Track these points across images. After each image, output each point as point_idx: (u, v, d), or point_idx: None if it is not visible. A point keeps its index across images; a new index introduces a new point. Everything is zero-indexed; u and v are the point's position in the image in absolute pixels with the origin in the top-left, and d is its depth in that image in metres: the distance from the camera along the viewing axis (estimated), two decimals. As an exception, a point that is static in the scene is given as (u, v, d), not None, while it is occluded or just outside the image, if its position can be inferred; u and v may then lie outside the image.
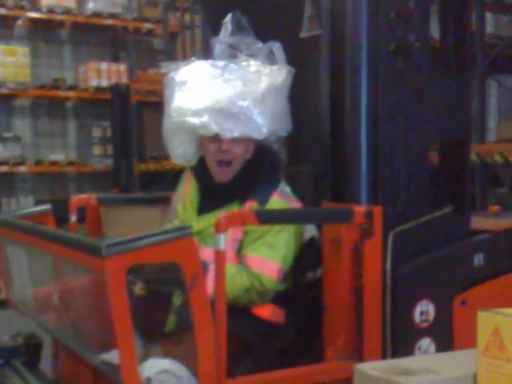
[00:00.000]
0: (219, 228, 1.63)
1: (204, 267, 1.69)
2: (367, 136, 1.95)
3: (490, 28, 5.99)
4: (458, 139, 2.16)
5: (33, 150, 7.81)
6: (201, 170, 2.09)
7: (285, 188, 2.06)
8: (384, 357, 1.90)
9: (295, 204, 2.03)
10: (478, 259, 2.11)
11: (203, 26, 2.58)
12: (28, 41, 7.85)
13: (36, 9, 7.53)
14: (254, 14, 2.46)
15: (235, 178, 2.01)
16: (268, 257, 1.92)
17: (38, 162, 7.62)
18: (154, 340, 1.97)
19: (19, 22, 7.68)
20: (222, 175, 2.01)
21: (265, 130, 1.96)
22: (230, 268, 1.78)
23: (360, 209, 1.87)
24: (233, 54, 2.04)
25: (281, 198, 1.99)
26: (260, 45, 2.05)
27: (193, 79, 1.99)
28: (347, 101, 1.98)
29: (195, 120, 1.94)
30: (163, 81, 2.07)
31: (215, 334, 1.58)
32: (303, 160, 2.34)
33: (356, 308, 1.86)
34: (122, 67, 8.00)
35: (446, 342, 2.01)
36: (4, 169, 7.32)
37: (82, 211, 2.58)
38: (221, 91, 1.93)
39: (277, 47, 2.03)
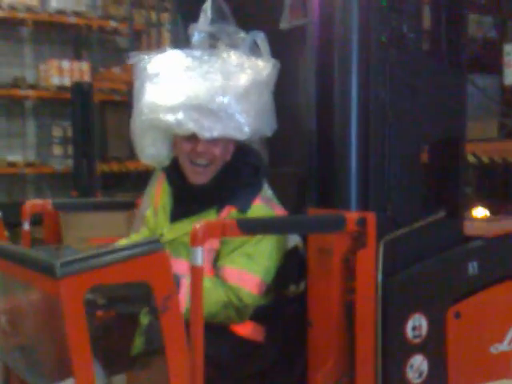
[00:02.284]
0: (196, 240, 1.42)
1: (175, 281, 1.47)
2: (357, 134, 1.78)
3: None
4: (452, 138, 2.01)
5: (-11, 151, 7.53)
6: (174, 171, 1.88)
7: (267, 192, 1.88)
8: (375, 377, 1.72)
9: (278, 210, 1.84)
10: (473, 267, 1.96)
11: (173, 14, 2.36)
12: (-12, 39, 7.57)
13: (-3, 6, 7.23)
14: (230, 1, 2.27)
15: (212, 180, 1.81)
16: (247, 269, 1.73)
17: (-4, 164, 7.32)
18: (119, 365, 1.77)
19: (-20, 20, 7.37)
20: (196, 177, 1.80)
21: (247, 130, 1.77)
22: (205, 281, 1.57)
23: (352, 215, 1.69)
24: (212, 44, 1.84)
25: (264, 204, 1.80)
26: (242, 34, 1.86)
27: (167, 71, 1.78)
28: (335, 96, 1.81)
29: (170, 117, 1.73)
30: (133, 71, 1.86)
31: (190, 360, 1.38)
32: (286, 161, 2.15)
33: (346, 326, 1.67)
34: (85, 65, 7.78)
35: (439, 358, 1.86)
36: (-40, 170, 7.03)
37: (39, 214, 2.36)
38: (198, 85, 1.73)
39: (261, 38, 1.86)
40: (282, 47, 2.08)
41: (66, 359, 1.26)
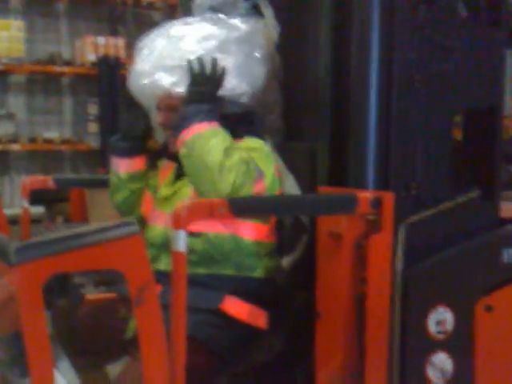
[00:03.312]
0: (179, 222, 1.24)
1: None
2: (377, 104, 1.57)
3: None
4: (488, 108, 1.76)
5: (27, 128, 7.60)
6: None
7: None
8: (390, 376, 1.53)
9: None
10: (508, 255, 1.74)
11: None
12: (23, 15, 7.55)
13: (32, -18, 7.21)
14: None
15: None
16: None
17: (32, 140, 7.39)
18: (114, 351, 1.64)
19: (14, -4, 7.38)
20: (173, 144, 1.72)
21: (223, 84, 1.71)
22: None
23: (366, 195, 1.48)
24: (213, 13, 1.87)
25: (257, 139, 1.71)
26: (244, 3, 1.85)
27: (154, 41, 1.81)
28: (354, 60, 1.60)
29: (147, 80, 1.75)
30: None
31: (171, 359, 1.21)
32: (298, 135, 1.95)
33: (357, 319, 1.48)
34: (120, 42, 7.72)
35: (465, 356, 1.65)
36: (-3, 146, 7.09)
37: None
38: (178, 47, 1.74)
39: (263, 2, 1.83)
40: (302, 14, 1.88)
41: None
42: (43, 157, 7.64)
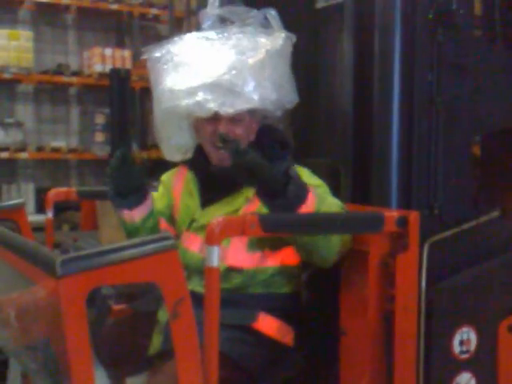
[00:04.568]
0: (212, 238, 1.27)
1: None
2: (400, 123, 1.61)
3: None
4: (508, 128, 1.79)
5: (35, 137, 7.66)
6: (198, 158, 1.82)
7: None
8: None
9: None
10: (530, 275, 1.76)
11: None
12: (32, 25, 7.64)
13: (41, -8, 7.30)
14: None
15: None
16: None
17: (40, 149, 7.44)
18: (135, 366, 1.65)
19: (24, 6, 7.46)
20: (222, 159, 1.72)
21: (269, 101, 1.70)
22: None
23: (392, 214, 1.51)
24: (223, 27, 1.81)
25: (299, 167, 1.69)
26: (253, 13, 1.80)
27: (179, 56, 1.76)
28: (375, 80, 1.63)
29: (189, 100, 1.69)
30: (147, 66, 1.83)
31: (205, 372, 1.23)
32: (320, 152, 1.97)
33: (384, 338, 1.50)
34: (127, 53, 7.80)
35: (489, 376, 1.66)
36: (5, 155, 7.16)
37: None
38: (213, 64, 1.69)
39: (271, 13, 1.80)
40: (318, 27, 1.91)
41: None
42: (50, 165, 7.68)
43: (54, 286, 1.10)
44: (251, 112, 1.71)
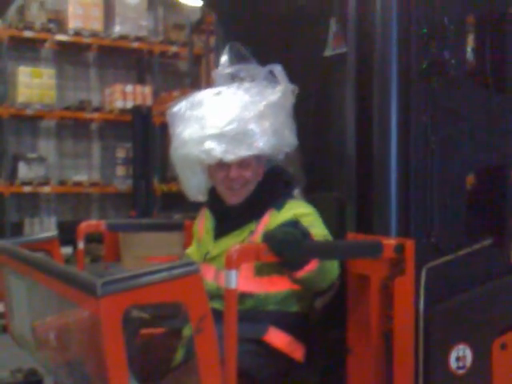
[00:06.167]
0: (230, 263, 1.46)
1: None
2: (397, 161, 1.78)
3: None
4: (498, 164, 1.97)
5: (57, 171, 7.87)
6: (213, 197, 2.05)
7: (298, 198, 2.02)
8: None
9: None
10: (520, 298, 1.91)
11: (218, 40, 2.55)
12: (55, 63, 7.93)
13: (63, 32, 7.60)
14: (276, 32, 2.33)
15: (247, 199, 1.96)
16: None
17: (62, 183, 7.65)
18: (157, 377, 1.82)
19: (46, 45, 7.73)
20: (232, 199, 1.97)
21: (267, 147, 1.93)
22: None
23: (390, 242, 1.69)
24: (234, 82, 2.05)
25: (296, 200, 1.96)
26: (261, 69, 2.05)
27: (192, 110, 2.01)
28: (375, 123, 1.82)
29: (197, 149, 1.93)
30: (168, 120, 2.09)
31: (224, 380, 1.41)
32: (327, 186, 2.17)
33: (385, 355, 1.66)
34: (147, 89, 8.05)
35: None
36: (28, 189, 7.36)
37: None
38: (219, 117, 1.93)
39: (277, 68, 2.03)
40: (325, 74, 2.10)
41: (105, 379, 1.31)
42: (72, 199, 7.89)
43: (95, 305, 1.29)
44: (256, 157, 1.93)
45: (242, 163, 1.91)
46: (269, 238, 1.58)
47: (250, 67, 2.03)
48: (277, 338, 1.80)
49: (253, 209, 1.92)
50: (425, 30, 1.77)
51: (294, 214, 1.86)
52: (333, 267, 1.75)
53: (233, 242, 1.86)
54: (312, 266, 1.66)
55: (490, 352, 1.82)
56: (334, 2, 2.18)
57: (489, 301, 1.87)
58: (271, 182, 1.96)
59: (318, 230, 1.81)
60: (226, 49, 2.06)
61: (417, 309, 1.72)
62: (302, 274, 1.67)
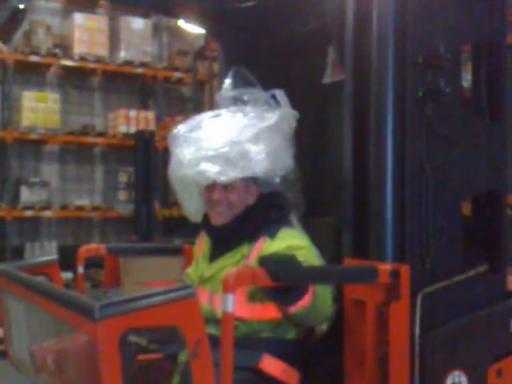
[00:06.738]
0: (227, 287, 1.48)
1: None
2: (393, 187, 1.81)
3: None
4: (493, 191, 1.99)
5: (59, 195, 7.85)
6: (205, 218, 2.07)
7: (294, 225, 2.03)
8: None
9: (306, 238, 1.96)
10: (516, 325, 1.92)
11: (221, 65, 2.60)
12: (59, 88, 7.97)
13: (69, 57, 7.67)
14: (277, 59, 2.38)
15: (232, 221, 1.96)
16: None
17: (64, 207, 7.64)
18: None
19: (52, 70, 7.80)
20: (215, 220, 1.98)
21: (261, 169, 1.95)
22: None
23: (385, 267, 1.71)
24: (236, 105, 2.09)
25: (290, 229, 1.96)
26: (263, 93, 2.09)
27: (190, 133, 2.03)
28: (372, 149, 1.85)
29: (192, 170, 1.95)
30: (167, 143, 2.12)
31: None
32: (325, 211, 2.20)
33: (380, 379, 1.66)
34: (150, 114, 8.10)
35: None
36: (29, 213, 7.35)
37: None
38: (215, 139, 1.95)
39: (279, 93, 2.06)
40: (324, 100, 2.14)
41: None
42: (73, 223, 7.88)
43: (93, 327, 1.30)
44: (246, 180, 1.94)
45: (228, 186, 1.93)
46: (265, 259, 1.59)
47: (253, 91, 2.07)
48: (271, 365, 1.80)
49: (241, 231, 1.93)
50: (421, 59, 1.81)
51: (288, 245, 1.84)
52: (325, 305, 1.74)
53: (225, 264, 1.88)
54: (305, 302, 1.65)
55: (485, 379, 1.82)
56: (332, 30, 2.23)
57: (484, 327, 1.87)
58: (264, 207, 1.96)
59: (313, 263, 1.81)
60: (230, 73, 2.10)
61: (412, 334, 1.72)
62: (294, 309, 1.65)
